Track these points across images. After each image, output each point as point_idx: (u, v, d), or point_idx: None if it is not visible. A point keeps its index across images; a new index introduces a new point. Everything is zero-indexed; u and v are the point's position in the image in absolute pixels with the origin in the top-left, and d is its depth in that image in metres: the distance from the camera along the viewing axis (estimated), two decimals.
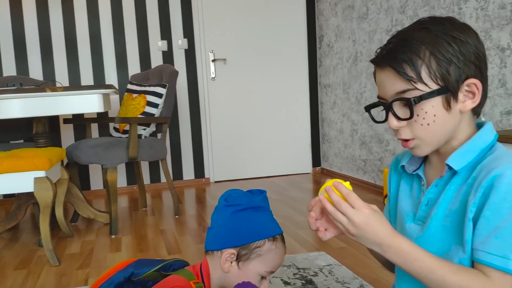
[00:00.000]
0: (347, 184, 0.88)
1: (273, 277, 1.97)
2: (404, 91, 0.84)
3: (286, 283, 1.90)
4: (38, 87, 2.54)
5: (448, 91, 0.84)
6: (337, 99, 4.12)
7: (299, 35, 4.38)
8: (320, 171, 4.53)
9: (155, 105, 3.04)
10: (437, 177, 0.92)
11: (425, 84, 0.83)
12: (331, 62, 4.18)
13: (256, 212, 1.07)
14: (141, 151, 2.89)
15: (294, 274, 1.99)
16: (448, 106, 0.85)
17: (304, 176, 4.38)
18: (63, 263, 2.31)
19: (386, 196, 2.98)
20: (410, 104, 0.84)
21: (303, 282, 1.90)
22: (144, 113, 3.03)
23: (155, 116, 3.06)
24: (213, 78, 4.21)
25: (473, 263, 0.82)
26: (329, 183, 0.87)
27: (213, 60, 4.19)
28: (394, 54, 0.85)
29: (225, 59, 4.21)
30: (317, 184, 4.04)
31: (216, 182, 4.30)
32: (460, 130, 0.89)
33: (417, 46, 0.84)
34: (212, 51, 4.18)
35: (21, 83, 2.70)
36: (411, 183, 0.99)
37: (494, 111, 2.43)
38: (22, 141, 3.58)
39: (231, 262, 1.08)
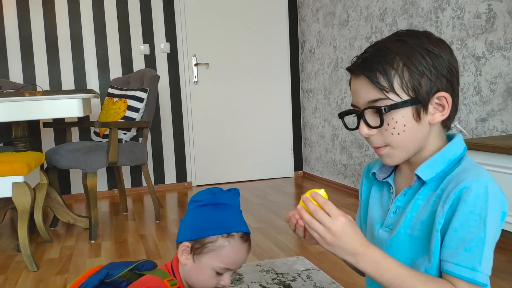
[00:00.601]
0: (323, 193, 0.89)
1: (251, 282, 1.98)
2: (376, 100, 0.87)
3: None
4: (17, 91, 2.51)
5: (418, 102, 0.86)
6: (318, 104, 4.16)
7: (282, 40, 4.41)
8: (302, 175, 4.56)
9: (136, 110, 3.04)
10: (406, 186, 0.94)
11: (397, 94, 0.86)
12: (313, 68, 4.22)
13: (215, 208, 1.08)
14: (122, 155, 2.88)
15: (273, 279, 2.01)
16: (418, 117, 0.87)
17: (286, 180, 4.41)
18: (41, 269, 2.29)
19: None
20: (380, 112, 0.86)
21: (281, 287, 1.92)
22: (125, 117, 3.03)
23: (136, 120, 3.05)
24: (196, 82, 4.22)
25: (440, 273, 0.85)
26: (306, 194, 0.89)
27: (196, 64, 4.19)
28: (369, 63, 0.87)
29: (207, 63, 4.22)
30: (299, 188, 4.07)
31: (198, 186, 4.30)
32: (430, 141, 0.91)
33: (391, 56, 0.86)
34: (195, 55, 4.19)
35: (0, 87, 2.68)
36: (381, 190, 1.02)
37: (470, 118, 2.49)
38: (1, 144, 3.54)
39: (188, 255, 1.10)
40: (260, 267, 2.15)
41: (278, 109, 4.46)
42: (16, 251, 2.56)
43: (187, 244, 1.10)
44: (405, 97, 0.86)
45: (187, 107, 4.23)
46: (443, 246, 0.83)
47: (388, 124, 0.87)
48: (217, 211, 1.08)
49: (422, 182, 0.90)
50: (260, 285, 1.95)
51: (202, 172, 4.31)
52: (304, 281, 1.97)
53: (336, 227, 0.83)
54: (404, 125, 0.86)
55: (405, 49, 0.86)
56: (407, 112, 0.86)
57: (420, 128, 0.88)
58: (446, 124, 0.92)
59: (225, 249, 1.06)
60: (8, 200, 2.76)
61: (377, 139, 0.90)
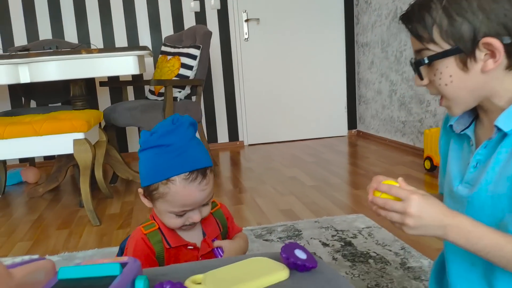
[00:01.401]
0: (388, 181, 0.81)
1: (311, 238, 1.95)
2: (419, 51, 0.83)
3: (324, 244, 1.88)
4: (74, 50, 2.53)
5: (460, 51, 0.78)
6: (375, 58, 3.98)
7: None
8: (356, 134, 4.44)
9: (190, 67, 3.01)
10: (487, 138, 0.85)
11: (437, 44, 0.80)
12: (369, 20, 4.01)
13: (154, 152, 0.99)
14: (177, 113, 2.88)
15: (333, 236, 1.97)
16: (464, 66, 0.79)
17: (340, 139, 4.31)
18: (103, 223, 2.36)
19: (426, 158, 2.90)
20: (418, 64, 0.83)
21: (342, 244, 1.88)
22: (178, 75, 3.01)
23: (190, 78, 3.03)
24: (246, 39, 4.13)
25: None
26: (375, 193, 0.81)
27: (246, 20, 4.09)
28: (411, 12, 0.83)
29: (258, 19, 4.10)
30: (353, 147, 3.97)
31: (250, 145, 4.29)
32: (499, 88, 0.81)
33: (430, 3, 0.80)
34: (245, 10, 4.08)
35: (57, 46, 2.71)
36: (461, 144, 0.93)
37: None
38: (60, 104, 3.64)
39: (145, 199, 1.06)
40: (319, 224, 2.11)
41: (332, 65, 4.31)
42: (79, 207, 2.65)
43: (140, 190, 1.06)
44: (446, 46, 0.79)
45: (238, 65, 4.17)
46: None
47: (435, 75, 0.82)
48: (155, 156, 0.99)
49: (503, 134, 0.81)
50: (320, 241, 1.92)
51: (253, 131, 4.28)
52: (366, 238, 1.92)
53: (412, 208, 0.75)
54: (450, 76, 0.81)
55: None
56: (450, 62, 0.80)
57: (470, 78, 0.80)
58: (510, 66, 0.81)
59: (169, 195, 0.99)
60: (68, 158, 2.84)
61: (432, 90, 0.86)
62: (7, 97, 3.87)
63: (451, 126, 0.93)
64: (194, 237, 1.08)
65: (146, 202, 1.06)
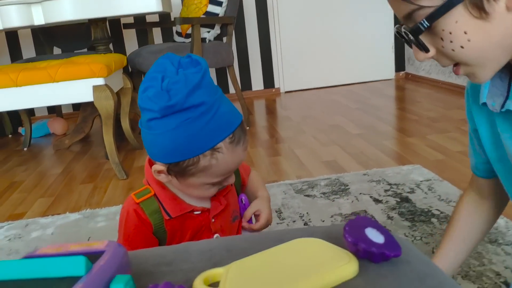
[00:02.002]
0: None
1: (360, 193, 1.69)
2: (410, 14, 0.59)
3: (376, 200, 1.62)
4: None
5: None
6: None
7: None
8: (404, 76, 4.05)
9: (219, 3, 2.70)
10: None
11: None
12: None
13: (181, 117, 0.70)
14: (206, 56, 2.61)
15: (386, 190, 1.70)
16: (480, 12, 0.55)
17: (386, 82, 3.94)
18: (130, 177, 2.18)
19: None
20: (416, 32, 0.59)
21: (398, 200, 1.61)
22: (206, 12, 2.71)
23: (219, 15, 2.73)
24: None
25: None
26: None
27: None
28: None
29: None
30: (401, 90, 3.61)
31: (287, 92, 3.99)
32: None
33: None
34: None
35: None
36: (509, 120, 0.70)
37: None
38: (85, 50, 3.43)
39: (167, 176, 0.79)
40: (368, 177, 1.84)
41: (377, 0, 3.87)
42: (105, 159, 2.48)
43: (159, 168, 0.77)
44: None
45: (273, 2, 3.80)
46: None
47: (442, 39, 0.59)
48: (184, 123, 0.70)
49: None
50: (371, 197, 1.66)
51: (291, 77, 3.97)
52: (425, 193, 1.64)
53: None
54: (465, 32, 0.57)
55: None
56: (459, 14, 0.56)
57: (493, 25, 0.56)
58: None
59: (214, 167, 0.74)
60: (94, 107, 2.65)
61: (444, 60, 0.63)
62: (31, 44, 3.69)
63: (484, 104, 0.70)
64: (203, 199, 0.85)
65: (164, 179, 0.79)
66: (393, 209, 1.54)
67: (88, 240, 1.55)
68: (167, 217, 0.81)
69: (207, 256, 0.50)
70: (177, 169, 0.76)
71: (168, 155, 0.74)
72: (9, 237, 1.63)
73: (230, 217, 0.89)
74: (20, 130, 3.24)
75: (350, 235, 0.45)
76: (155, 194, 0.82)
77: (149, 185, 0.83)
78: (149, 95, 0.70)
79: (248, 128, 2.85)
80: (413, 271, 0.45)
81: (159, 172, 0.78)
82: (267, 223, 0.90)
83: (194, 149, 0.72)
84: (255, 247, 0.50)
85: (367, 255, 0.45)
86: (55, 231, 1.65)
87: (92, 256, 0.40)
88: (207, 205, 0.85)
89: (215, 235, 0.86)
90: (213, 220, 0.85)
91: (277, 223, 1.51)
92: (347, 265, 0.44)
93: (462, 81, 3.22)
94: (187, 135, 0.70)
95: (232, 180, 0.81)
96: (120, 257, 0.42)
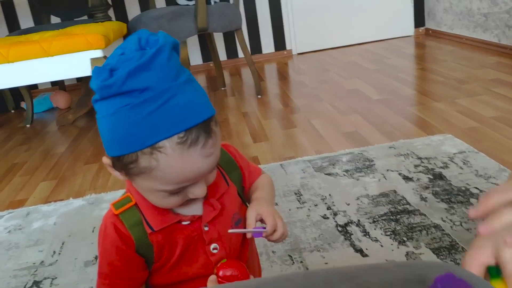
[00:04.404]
0: None
1: (387, 170, 1.53)
2: None
3: (407, 178, 1.46)
4: None
5: None
6: None
7: None
8: (425, 32, 3.79)
9: None
10: None
11: None
12: None
13: (120, 102, 0.58)
14: (212, 20, 2.41)
15: (416, 166, 1.54)
16: None
17: (405, 39, 3.69)
18: None
19: None
20: None
21: (430, 177, 1.45)
22: None
23: None
24: None
25: None
26: None
27: None
28: None
29: None
30: (422, 48, 3.38)
31: (299, 54, 3.77)
32: None
33: None
34: None
35: None
36: None
37: None
38: (86, 17, 3.24)
39: (115, 171, 0.64)
40: (395, 150, 1.68)
41: None
42: None
43: (106, 160, 0.63)
44: None
45: None
46: None
47: None
48: (122, 110, 0.57)
49: None
50: (399, 174, 1.50)
51: (303, 38, 3.74)
52: (461, 168, 1.48)
53: None
54: None
55: None
56: None
57: None
58: None
59: (157, 170, 0.58)
60: None
61: None
62: (28, 14, 3.50)
63: None
64: (191, 205, 0.69)
65: (117, 175, 0.64)
66: (426, 188, 1.39)
67: (93, 231, 1.43)
68: (150, 231, 0.67)
69: None
70: (120, 165, 0.61)
71: (108, 145, 0.60)
72: (9, 228, 1.52)
73: (230, 222, 0.73)
74: (23, 104, 3.10)
75: None
76: (136, 204, 0.68)
77: (130, 192, 0.69)
78: (93, 71, 0.58)
79: (259, 96, 2.67)
80: None
81: (109, 166, 0.64)
82: (280, 230, 0.74)
83: (132, 143, 0.57)
84: None
85: None
86: (57, 220, 1.53)
87: None
88: (198, 211, 0.69)
89: (212, 246, 0.71)
90: (206, 228, 0.69)
91: (297, 208, 1.37)
92: None
93: (488, 36, 2.98)
94: (125, 125, 0.57)
95: (199, 192, 0.64)
96: None
